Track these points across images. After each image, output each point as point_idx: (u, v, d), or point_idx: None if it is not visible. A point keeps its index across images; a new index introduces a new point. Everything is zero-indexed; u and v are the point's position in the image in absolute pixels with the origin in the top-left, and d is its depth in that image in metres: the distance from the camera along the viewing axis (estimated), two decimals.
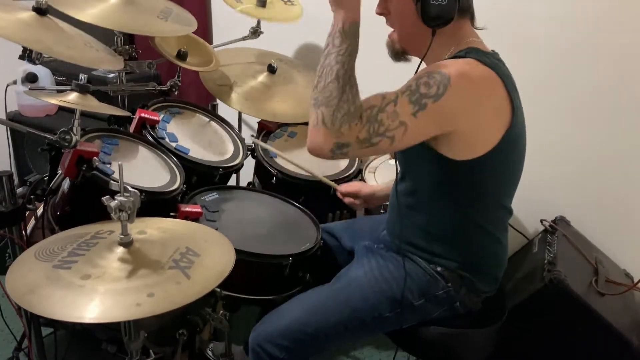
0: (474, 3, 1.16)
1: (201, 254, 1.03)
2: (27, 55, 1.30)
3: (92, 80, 1.78)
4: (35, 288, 0.90)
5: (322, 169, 1.79)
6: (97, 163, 1.26)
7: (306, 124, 1.96)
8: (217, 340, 1.54)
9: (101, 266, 0.95)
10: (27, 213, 1.37)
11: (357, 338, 1.24)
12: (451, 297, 1.19)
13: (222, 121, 1.86)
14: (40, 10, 1.27)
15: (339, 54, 1.05)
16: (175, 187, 1.41)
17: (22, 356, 1.53)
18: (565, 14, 1.62)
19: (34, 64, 1.31)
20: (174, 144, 1.60)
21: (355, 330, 1.19)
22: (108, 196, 0.97)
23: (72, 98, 1.25)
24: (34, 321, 1.39)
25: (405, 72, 1.18)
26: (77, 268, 0.94)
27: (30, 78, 1.83)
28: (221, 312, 1.35)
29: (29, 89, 1.74)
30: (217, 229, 1.21)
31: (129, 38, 1.81)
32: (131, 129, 1.60)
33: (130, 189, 0.99)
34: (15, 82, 1.81)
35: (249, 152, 1.81)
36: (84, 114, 1.33)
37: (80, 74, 1.34)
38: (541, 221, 1.72)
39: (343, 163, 1.85)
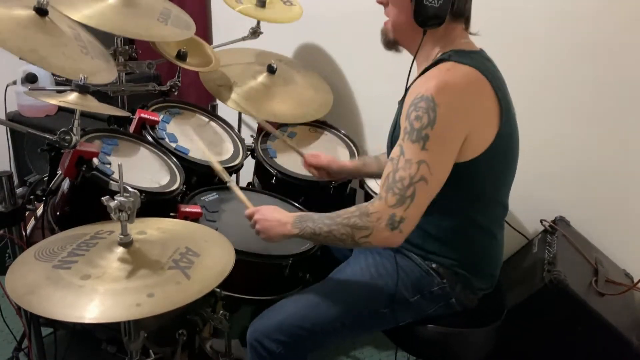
0: (472, 7, 1.17)
1: (201, 254, 1.03)
2: None
3: None
4: (35, 288, 0.90)
5: None
6: (96, 163, 1.26)
7: (306, 124, 1.98)
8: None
9: (101, 266, 0.95)
10: (27, 213, 1.37)
11: (355, 334, 1.25)
12: (447, 294, 1.20)
13: (222, 121, 1.86)
14: (41, 11, 1.27)
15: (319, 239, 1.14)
16: (175, 187, 1.41)
17: (22, 356, 1.53)
18: (566, 13, 1.62)
19: (34, 64, 1.31)
20: (173, 145, 1.60)
21: (352, 326, 1.19)
22: (108, 196, 0.97)
23: (72, 98, 1.25)
24: (34, 321, 1.39)
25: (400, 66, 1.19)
26: (77, 268, 0.94)
27: (30, 78, 1.83)
28: (221, 312, 1.35)
29: (29, 89, 1.74)
30: (217, 229, 1.21)
31: (129, 38, 1.81)
32: (131, 129, 1.60)
33: (130, 189, 0.99)
34: (15, 83, 1.82)
35: (248, 152, 1.81)
36: (83, 114, 1.33)
37: (80, 74, 1.33)
38: (541, 221, 1.72)
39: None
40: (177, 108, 1.78)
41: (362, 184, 1.79)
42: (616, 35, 1.56)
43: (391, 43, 1.22)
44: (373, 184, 1.75)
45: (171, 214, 1.33)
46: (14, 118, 2.14)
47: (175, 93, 1.92)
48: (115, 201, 0.95)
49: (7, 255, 1.36)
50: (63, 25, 1.37)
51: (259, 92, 1.93)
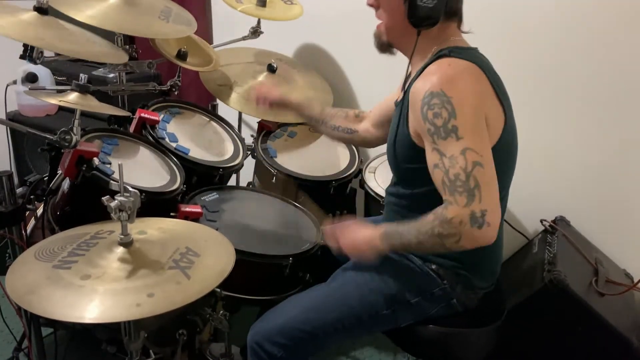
0: (466, 7, 1.17)
1: (201, 254, 1.03)
2: (27, 54, 1.30)
3: (92, 80, 1.78)
4: (35, 288, 0.89)
5: (323, 169, 1.79)
6: (97, 163, 1.26)
7: (306, 123, 1.98)
8: (216, 341, 1.54)
9: (101, 266, 0.95)
10: (27, 213, 1.37)
11: (355, 336, 1.25)
12: (447, 295, 1.20)
13: (222, 121, 1.86)
14: (42, 10, 1.28)
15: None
16: (175, 187, 1.41)
17: (22, 356, 1.53)
18: (567, 12, 1.62)
19: (35, 63, 1.31)
20: (174, 144, 1.60)
21: (353, 328, 1.19)
22: (108, 196, 0.97)
23: (72, 98, 1.25)
24: (34, 321, 1.39)
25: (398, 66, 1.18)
26: (77, 268, 0.94)
27: (31, 78, 1.82)
28: (221, 312, 1.35)
29: (29, 89, 1.74)
30: (217, 229, 1.21)
31: (129, 38, 1.81)
32: (131, 129, 1.60)
33: (130, 189, 0.99)
34: (15, 82, 1.81)
35: (249, 152, 1.81)
36: (84, 114, 1.33)
37: (81, 74, 1.34)
38: (541, 221, 1.72)
39: (343, 163, 1.85)
40: (178, 108, 1.78)
41: (362, 184, 1.79)
42: (616, 35, 1.56)
43: (385, 46, 1.22)
44: (373, 184, 1.75)
45: (171, 214, 1.33)
46: (14, 118, 2.14)
47: (176, 93, 1.92)
48: (116, 201, 0.95)
49: (7, 255, 1.36)
50: (65, 24, 1.38)
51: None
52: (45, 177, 1.41)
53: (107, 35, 1.54)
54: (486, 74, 1.07)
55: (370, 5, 1.19)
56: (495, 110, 1.08)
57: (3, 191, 1.27)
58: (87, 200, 1.26)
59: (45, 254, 1.00)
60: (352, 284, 1.23)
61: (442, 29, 1.13)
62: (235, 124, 1.96)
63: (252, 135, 1.92)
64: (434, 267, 1.19)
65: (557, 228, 1.63)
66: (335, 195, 1.73)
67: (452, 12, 1.13)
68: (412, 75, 1.18)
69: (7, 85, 1.76)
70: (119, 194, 0.96)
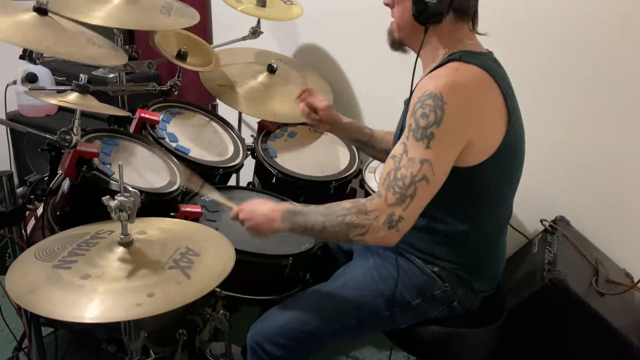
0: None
1: (201, 254, 1.03)
2: (27, 55, 1.30)
3: (92, 80, 1.77)
4: (35, 288, 0.90)
5: (323, 169, 1.79)
6: (97, 163, 1.26)
7: (306, 123, 1.98)
8: (216, 341, 1.54)
9: (101, 266, 0.95)
10: (27, 213, 1.37)
11: (356, 336, 1.25)
12: (449, 297, 1.19)
13: (222, 121, 1.86)
14: (41, 10, 1.28)
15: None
16: (175, 187, 1.41)
17: (22, 356, 1.53)
18: (567, 12, 1.62)
19: (35, 63, 1.31)
20: (174, 144, 1.60)
21: (353, 329, 1.19)
22: (108, 196, 0.97)
23: (72, 98, 1.25)
24: (34, 321, 1.39)
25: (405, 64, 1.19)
26: (77, 268, 0.95)
27: (30, 78, 1.83)
28: (221, 312, 1.35)
29: (29, 89, 1.74)
30: (217, 229, 1.21)
31: (129, 38, 1.81)
32: (131, 129, 1.60)
33: (130, 189, 0.99)
34: (15, 82, 1.81)
35: (249, 152, 1.81)
36: (84, 114, 1.33)
37: (81, 74, 1.34)
38: (541, 221, 1.72)
39: (343, 163, 1.85)
40: (178, 108, 1.78)
41: (362, 184, 1.79)
42: (617, 36, 1.56)
43: (397, 43, 1.22)
44: (373, 184, 1.75)
45: (171, 214, 1.33)
46: (14, 118, 2.14)
47: (176, 93, 1.92)
48: (116, 201, 0.95)
49: (7, 255, 1.36)
50: (65, 23, 1.38)
51: (259, 92, 1.93)
52: (45, 177, 1.41)
53: (107, 35, 1.54)
54: (496, 80, 1.06)
55: (387, 4, 1.20)
56: (495, 125, 1.07)
57: (3, 191, 1.27)
58: (87, 201, 1.26)
59: (45, 254, 1.00)
60: (352, 284, 1.23)
61: (453, 29, 1.13)
62: (235, 124, 1.96)
63: (252, 135, 1.92)
64: (436, 269, 1.19)
65: (557, 228, 1.63)
66: (335, 196, 1.73)
67: (462, 10, 1.11)
68: (423, 77, 1.18)
69: (7, 85, 1.76)
70: (119, 194, 0.97)
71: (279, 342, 1.15)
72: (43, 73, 1.88)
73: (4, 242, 1.35)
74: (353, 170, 1.81)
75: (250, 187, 1.81)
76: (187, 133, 1.70)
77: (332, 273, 1.30)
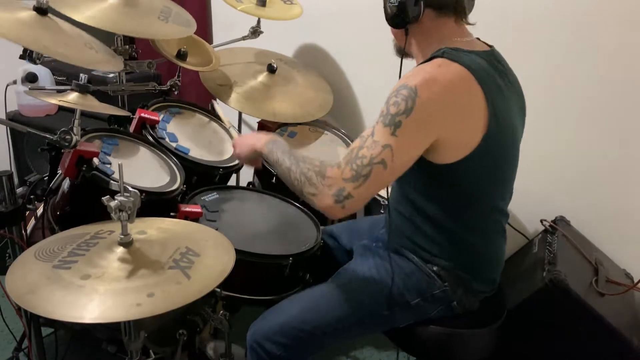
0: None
1: (201, 254, 1.03)
2: (27, 54, 1.30)
3: (92, 80, 1.78)
4: (35, 288, 0.89)
5: None
6: (97, 163, 1.26)
7: (306, 123, 1.98)
8: (217, 341, 1.54)
9: (101, 266, 0.95)
10: (27, 213, 1.36)
11: (355, 336, 1.25)
12: (448, 297, 1.19)
13: (222, 121, 1.86)
14: (41, 10, 1.27)
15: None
16: (175, 187, 1.41)
17: (22, 356, 1.53)
18: (568, 14, 1.62)
19: (35, 63, 1.31)
20: (174, 144, 1.60)
21: (353, 328, 1.19)
22: (108, 196, 0.97)
23: (72, 98, 1.25)
24: (34, 321, 1.39)
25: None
26: (77, 268, 0.94)
27: (30, 78, 1.82)
28: (221, 312, 1.35)
29: (29, 88, 1.74)
30: (217, 229, 1.21)
31: (129, 38, 1.81)
32: (131, 129, 1.60)
33: (130, 189, 0.99)
34: (15, 82, 1.81)
35: None
36: (84, 114, 1.33)
37: (81, 74, 1.34)
38: (541, 221, 1.72)
39: None
40: (178, 107, 1.78)
41: None
42: (617, 35, 1.56)
43: (398, 50, 1.25)
44: None
45: (171, 214, 1.33)
46: (14, 118, 2.14)
47: (176, 92, 1.92)
48: (116, 201, 0.95)
49: (7, 255, 1.36)
50: (64, 26, 1.37)
51: (259, 92, 1.93)
52: (45, 177, 1.41)
53: (107, 34, 1.54)
54: (477, 78, 1.05)
55: None
56: (472, 122, 1.06)
57: (3, 191, 1.27)
58: (87, 200, 1.26)
59: (45, 254, 1.00)
60: (352, 283, 1.23)
61: (436, 26, 1.13)
62: (235, 124, 1.96)
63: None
64: (435, 268, 1.19)
65: (557, 228, 1.63)
66: None
67: (439, 6, 1.11)
68: None
69: (7, 85, 1.76)
70: (119, 194, 0.96)
71: (279, 341, 1.15)
72: (43, 73, 1.88)
73: (4, 242, 1.35)
74: None
75: (250, 187, 1.81)
76: (187, 133, 1.70)
77: (332, 273, 1.30)
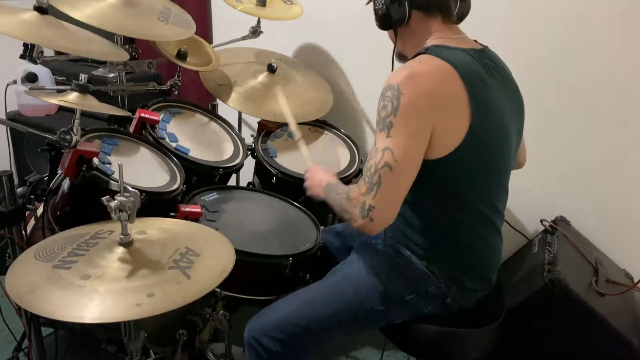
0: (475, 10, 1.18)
1: (201, 254, 1.03)
2: (27, 54, 1.30)
3: (92, 80, 1.77)
4: (35, 288, 0.90)
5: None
6: (97, 163, 1.26)
7: (306, 123, 1.98)
8: (216, 341, 1.54)
9: (101, 266, 0.95)
10: (27, 213, 1.37)
11: (351, 331, 1.27)
12: (442, 293, 1.20)
13: (222, 121, 1.86)
14: (42, 9, 1.28)
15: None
16: (175, 187, 1.41)
17: (22, 356, 1.53)
18: (568, 13, 1.62)
19: (35, 63, 1.31)
20: (174, 144, 1.60)
21: (348, 324, 1.20)
22: (108, 196, 0.97)
23: (72, 98, 1.25)
24: (34, 321, 1.39)
25: None
26: (77, 268, 0.94)
27: (30, 78, 1.82)
28: (221, 312, 1.35)
29: (29, 88, 1.74)
30: (217, 229, 1.21)
31: (129, 38, 1.81)
32: (131, 129, 1.60)
33: (130, 189, 0.99)
34: (15, 82, 1.81)
35: (249, 152, 1.81)
36: (84, 114, 1.33)
37: (80, 74, 1.34)
38: (541, 221, 1.72)
39: (343, 163, 1.85)
40: (178, 107, 1.78)
41: None
42: (617, 34, 1.56)
43: (397, 54, 1.27)
44: None
45: (171, 214, 1.33)
46: (14, 117, 2.14)
47: (176, 92, 1.92)
48: (116, 201, 0.95)
49: (7, 255, 1.36)
50: (66, 23, 1.38)
51: (259, 92, 1.93)
52: (45, 177, 1.41)
53: (107, 35, 1.54)
54: (460, 73, 1.06)
55: None
56: (456, 116, 1.07)
57: (3, 191, 1.27)
58: (87, 200, 1.26)
59: (45, 254, 1.00)
60: (347, 279, 1.24)
61: (423, 26, 1.15)
62: (235, 124, 1.96)
63: (252, 135, 1.92)
64: (429, 265, 1.20)
65: (557, 228, 1.63)
66: None
67: (424, 7, 1.13)
68: None
69: (7, 85, 1.76)
70: (119, 194, 0.96)
71: (276, 337, 1.17)
72: (43, 73, 1.88)
73: (4, 242, 1.35)
74: (353, 169, 1.81)
75: (250, 187, 1.81)
76: (187, 133, 1.70)
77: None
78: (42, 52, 1.32)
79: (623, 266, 1.66)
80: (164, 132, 1.62)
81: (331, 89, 2.09)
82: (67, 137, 1.21)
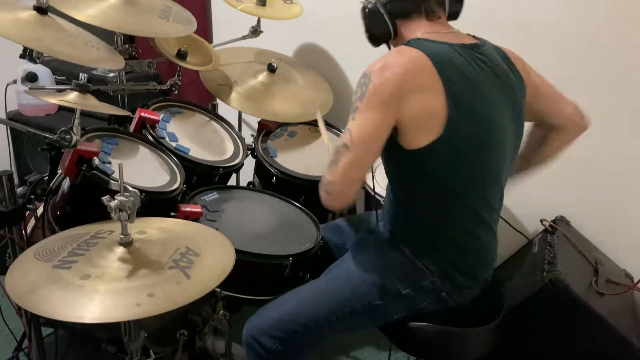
0: (468, 6, 1.19)
1: (201, 254, 1.03)
2: (27, 54, 1.30)
3: (92, 79, 1.78)
4: (35, 288, 0.90)
5: (323, 168, 1.79)
6: (97, 163, 1.26)
7: (306, 123, 1.98)
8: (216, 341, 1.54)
9: (101, 266, 0.95)
10: (27, 213, 1.36)
11: (349, 328, 1.27)
12: (437, 288, 1.20)
13: (222, 121, 1.86)
14: (41, 10, 1.27)
15: None
16: (175, 187, 1.41)
17: (22, 356, 1.53)
18: (568, 14, 1.62)
19: (35, 63, 1.31)
20: (174, 144, 1.60)
21: (346, 320, 1.20)
22: (108, 196, 0.97)
23: (72, 97, 1.25)
24: (34, 321, 1.39)
25: None
26: (77, 268, 0.94)
27: (31, 77, 1.82)
28: (221, 312, 1.35)
29: (29, 88, 1.74)
30: (217, 229, 1.21)
31: (129, 37, 1.81)
32: (131, 128, 1.59)
33: (130, 188, 0.99)
34: (15, 82, 1.81)
35: (249, 152, 1.81)
36: (84, 114, 1.33)
37: (80, 74, 1.34)
38: (541, 221, 1.72)
39: None
40: (178, 107, 1.78)
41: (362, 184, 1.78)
42: (617, 34, 1.56)
43: None
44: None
45: (171, 214, 1.33)
46: (14, 117, 2.14)
47: (176, 92, 1.92)
48: (116, 201, 0.95)
49: (7, 255, 1.36)
50: (65, 24, 1.37)
51: (259, 91, 1.93)
52: (45, 177, 1.41)
53: (107, 34, 1.54)
54: (436, 65, 1.06)
55: None
56: (429, 105, 1.07)
57: (3, 191, 1.27)
58: (87, 200, 1.26)
59: (45, 254, 1.00)
60: (344, 276, 1.25)
61: (411, 29, 1.18)
62: (235, 124, 1.96)
63: (252, 135, 1.92)
64: (424, 260, 1.20)
65: (557, 228, 1.63)
66: None
67: (404, 14, 1.17)
68: None
69: (7, 85, 1.76)
70: (119, 194, 0.96)
71: (274, 335, 1.17)
72: (43, 72, 1.88)
73: (4, 242, 1.35)
74: None
75: (251, 186, 1.81)
76: (187, 132, 1.70)
77: None
78: (40, 51, 1.31)
79: (623, 266, 1.66)
80: (164, 131, 1.62)
81: (331, 89, 2.09)
82: (67, 136, 1.21)
